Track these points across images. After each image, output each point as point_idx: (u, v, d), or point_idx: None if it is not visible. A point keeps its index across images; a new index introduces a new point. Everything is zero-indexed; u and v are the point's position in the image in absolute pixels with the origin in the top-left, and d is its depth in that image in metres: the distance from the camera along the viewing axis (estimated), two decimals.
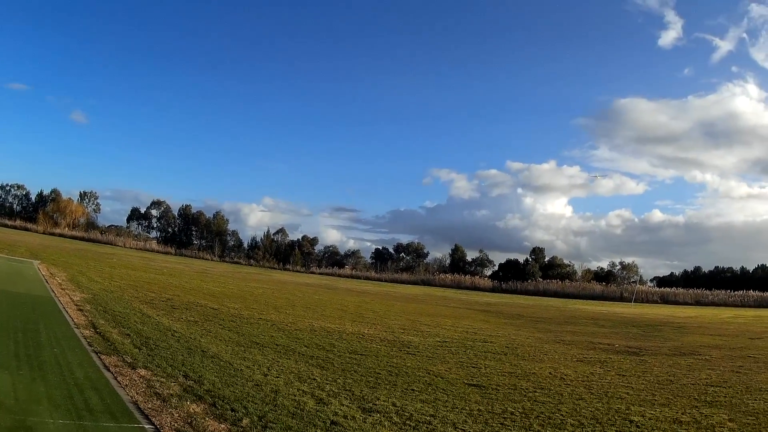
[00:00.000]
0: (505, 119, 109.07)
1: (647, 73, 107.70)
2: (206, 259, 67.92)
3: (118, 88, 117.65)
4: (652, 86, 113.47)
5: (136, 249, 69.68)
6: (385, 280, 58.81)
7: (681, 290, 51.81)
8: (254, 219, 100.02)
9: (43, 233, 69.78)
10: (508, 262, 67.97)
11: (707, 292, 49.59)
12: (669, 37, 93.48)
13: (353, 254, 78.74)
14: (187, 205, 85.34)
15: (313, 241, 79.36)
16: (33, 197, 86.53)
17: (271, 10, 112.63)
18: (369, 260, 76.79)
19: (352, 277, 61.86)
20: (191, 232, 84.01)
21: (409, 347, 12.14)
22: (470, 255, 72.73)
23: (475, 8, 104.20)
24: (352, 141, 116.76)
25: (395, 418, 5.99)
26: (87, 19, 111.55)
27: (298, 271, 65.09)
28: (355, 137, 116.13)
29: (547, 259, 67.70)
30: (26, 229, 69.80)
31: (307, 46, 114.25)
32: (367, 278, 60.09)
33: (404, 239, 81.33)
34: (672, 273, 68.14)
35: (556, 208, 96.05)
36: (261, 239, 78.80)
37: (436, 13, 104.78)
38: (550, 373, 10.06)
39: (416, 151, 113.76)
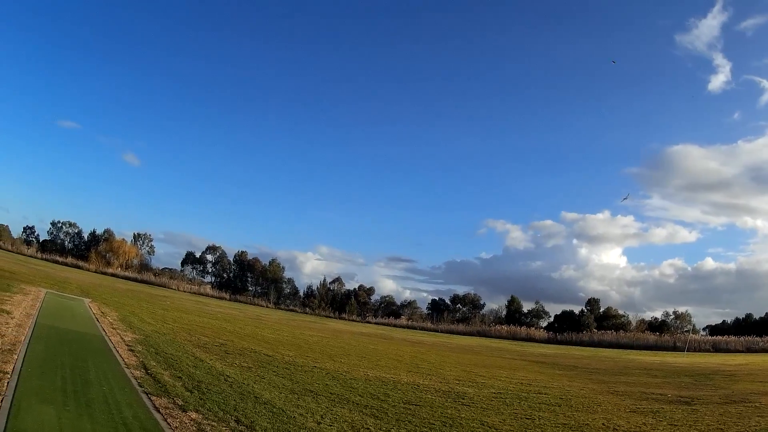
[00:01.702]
0: (559, 169, 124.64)
1: (697, 119, 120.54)
2: (261, 306, 75.70)
3: (170, 133, 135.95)
4: (702, 132, 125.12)
5: (189, 293, 76.52)
6: (441, 331, 66.29)
7: (732, 338, 56.75)
8: (310, 267, 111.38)
9: (95, 272, 77.64)
10: (564, 313, 76.36)
11: (758, 339, 54.01)
12: (718, 81, 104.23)
13: (409, 304, 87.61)
14: (243, 252, 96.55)
15: (370, 291, 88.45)
16: (85, 235, 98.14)
17: (319, 59, 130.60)
18: (425, 311, 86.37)
19: (408, 327, 69.29)
20: (246, 279, 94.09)
21: (464, 398, 13.46)
22: (526, 306, 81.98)
23: (524, 59, 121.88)
24: (407, 191, 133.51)
25: None
26: (139, 61, 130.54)
27: (353, 321, 72.60)
28: (410, 187, 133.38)
29: (601, 309, 75.88)
30: (77, 267, 78.31)
31: (361, 96, 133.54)
32: (423, 329, 67.72)
33: (460, 290, 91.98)
34: (724, 321, 74.55)
35: (610, 258, 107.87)
36: (317, 287, 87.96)
37: (487, 63, 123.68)
38: (603, 424, 11.21)
39: (471, 202, 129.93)
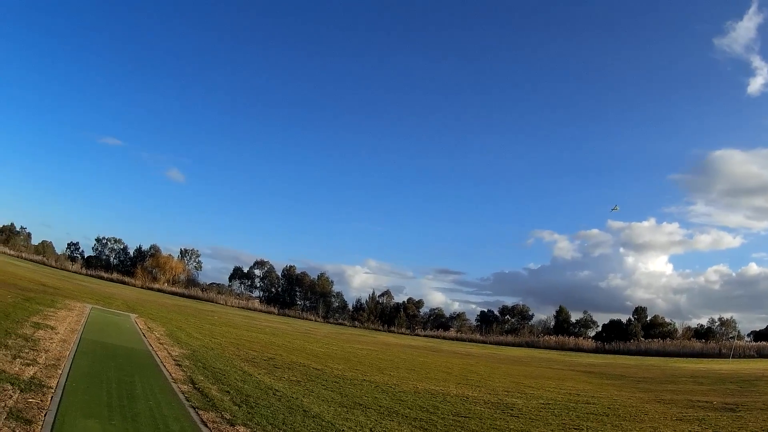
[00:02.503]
0: (605, 178, 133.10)
1: (738, 123, 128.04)
2: (310, 320, 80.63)
3: (214, 149, 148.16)
4: (743, 136, 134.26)
5: (237, 307, 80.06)
6: (490, 343, 71.49)
7: None
8: (358, 281, 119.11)
9: (141, 287, 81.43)
10: (611, 322, 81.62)
11: None
12: (757, 83, 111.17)
13: (458, 316, 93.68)
14: (291, 266, 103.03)
15: (419, 304, 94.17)
16: (131, 251, 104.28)
17: (366, 73, 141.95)
18: (474, 322, 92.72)
19: (456, 339, 74.26)
20: (295, 293, 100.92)
21: (512, 409, 14.34)
22: (574, 316, 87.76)
23: (567, 71, 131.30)
24: (455, 203, 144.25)
25: None
26: (181, 78, 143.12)
27: (402, 333, 77.91)
28: (457, 200, 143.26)
29: (648, 318, 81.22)
30: (123, 283, 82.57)
31: (409, 110, 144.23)
32: (471, 340, 73.23)
33: (509, 301, 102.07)
34: None
35: (656, 266, 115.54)
36: (366, 301, 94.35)
37: (532, 76, 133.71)
38: None
39: (518, 213, 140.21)
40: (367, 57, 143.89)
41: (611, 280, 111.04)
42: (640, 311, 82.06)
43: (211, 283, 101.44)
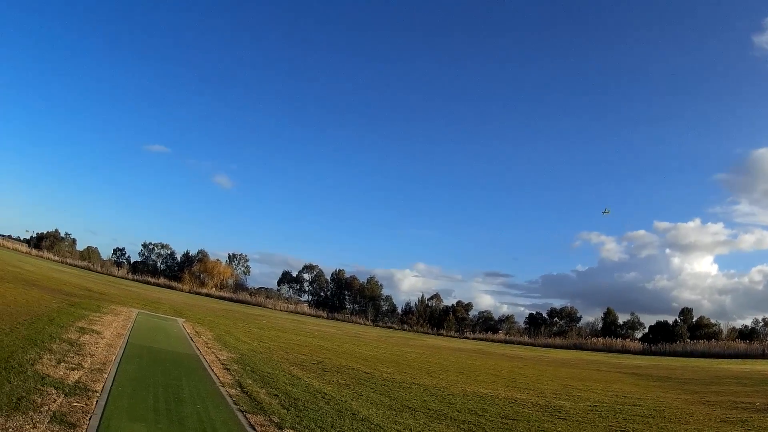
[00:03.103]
0: (650, 178, 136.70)
1: None
2: (359, 324, 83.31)
3: (261, 154, 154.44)
4: None
5: (286, 312, 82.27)
6: (539, 345, 73.93)
7: None
8: (407, 284, 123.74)
9: (188, 292, 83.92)
10: (658, 323, 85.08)
11: None
12: None
13: (507, 319, 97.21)
14: (340, 270, 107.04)
15: (468, 307, 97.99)
16: (178, 257, 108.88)
17: (413, 76, 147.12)
18: (522, 325, 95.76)
19: (505, 342, 77.15)
20: (344, 297, 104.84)
21: (560, 412, 14.86)
22: (621, 318, 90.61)
23: (611, 72, 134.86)
24: (502, 206, 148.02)
25: None
26: (227, 84, 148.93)
27: (451, 336, 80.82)
28: (505, 202, 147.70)
29: (694, 319, 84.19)
30: (170, 288, 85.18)
31: (455, 115, 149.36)
32: (520, 343, 75.84)
33: (557, 303, 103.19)
34: None
35: (702, 266, 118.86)
36: (415, 304, 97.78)
37: (576, 77, 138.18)
38: None
39: (565, 215, 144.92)
40: (417, 62, 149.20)
41: (658, 282, 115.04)
42: (686, 312, 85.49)
43: (260, 288, 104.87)
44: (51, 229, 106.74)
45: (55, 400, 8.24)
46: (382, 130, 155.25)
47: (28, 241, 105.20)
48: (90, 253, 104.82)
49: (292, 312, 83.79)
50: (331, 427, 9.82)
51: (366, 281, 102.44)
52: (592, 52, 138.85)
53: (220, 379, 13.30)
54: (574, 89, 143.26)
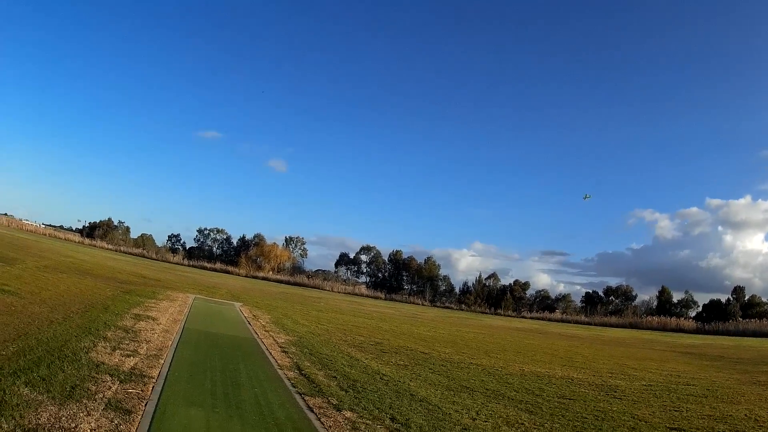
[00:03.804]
0: (702, 155, 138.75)
1: None
2: (416, 304, 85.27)
3: (316, 138, 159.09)
4: None
5: (344, 293, 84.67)
6: (595, 324, 76.47)
7: None
8: (465, 264, 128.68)
9: (245, 276, 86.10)
10: (711, 302, 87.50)
11: None
12: None
13: (563, 298, 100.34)
14: (397, 251, 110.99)
15: (525, 286, 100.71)
16: (234, 241, 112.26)
17: (469, 59, 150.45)
18: (579, 304, 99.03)
19: (562, 321, 80.00)
20: (402, 278, 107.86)
21: (615, 391, 15.27)
22: (676, 296, 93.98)
23: (663, 47, 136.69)
24: (558, 184, 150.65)
25: None
26: (281, 68, 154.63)
27: (509, 316, 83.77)
28: (561, 180, 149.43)
29: (746, 297, 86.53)
30: (227, 272, 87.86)
31: (508, 93, 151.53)
32: (576, 322, 78.68)
33: (613, 282, 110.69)
34: None
35: (754, 244, 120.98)
36: (473, 284, 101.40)
37: (629, 53, 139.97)
38: (745, 415, 12.87)
39: (620, 192, 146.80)
40: (470, 42, 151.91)
41: (710, 260, 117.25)
42: (738, 291, 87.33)
43: (317, 270, 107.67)
44: (104, 218, 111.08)
45: (110, 387, 8.35)
46: (439, 109, 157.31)
47: (80, 231, 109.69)
48: (144, 241, 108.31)
49: (349, 294, 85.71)
50: (390, 408, 10.02)
51: (424, 261, 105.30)
52: (648, 38, 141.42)
53: (278, 362, 13.51)
54: (629, 64, 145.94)
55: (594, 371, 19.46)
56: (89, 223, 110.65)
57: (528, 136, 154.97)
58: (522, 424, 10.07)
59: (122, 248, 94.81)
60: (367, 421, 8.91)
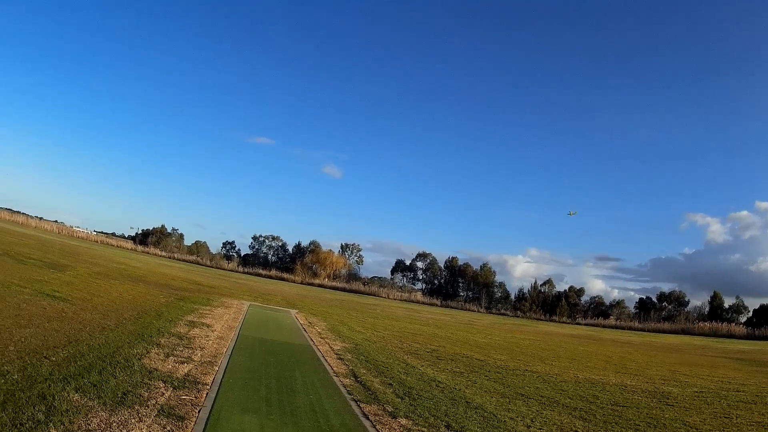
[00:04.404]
0: (751, 157, 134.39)
1: None
2: (472, 311, 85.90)
3: (370, 143, 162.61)
4: None
5: (400, 300, 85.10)
6: (648, 330, 76.16)
7: None
8: (520, 270, 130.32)
9: (300, 283, 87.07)
10: (761, 307, 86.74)
11: None
12: None
13: (617, 304, 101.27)
14: (453, 257, 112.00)
15: (579, 292, 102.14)
16: (290, 248, 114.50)
17: (522, 61, 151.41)
18: (632, 310, 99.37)
19: (616, 327, 80.00)
20: (457, 284, 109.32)
21: (668, 398, 15.43)
22: (727, 301, 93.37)
23: (716, 48, 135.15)
24: (612, 187, 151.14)
25: None
26: (331, 76, 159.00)
27: (563, 322, 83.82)
28: (614, 184, 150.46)
29: None
30: (282, 279, 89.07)
31: (564, 96, 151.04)
32: (630, 328, 78.21)
33: (666, 287, 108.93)
34: None
35: None
36: (528, 290, 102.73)
37: (683, 54, 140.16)
38: None
39: (673, 196, 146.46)
40: (528, 50, 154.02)
41: (761, 264, 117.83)
42: None
43: (373, 277, 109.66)
44: (157, 225, 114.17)
45: (163, 394, 8.43)
46: (495, 116, 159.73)
47: (133, 238, 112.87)
48: (198, 248, 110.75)
49: (405, 300, 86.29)
50: (445, 415, 10.16)
51: (479, 268, 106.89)
52: (701, 44, 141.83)
53: (334, 369, 13.64)
54: (682, 66, 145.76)
55: (647, 378, 19.67)
56: (142, 231, 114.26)
57: (581, 141, 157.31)
58: (576, 431, 10.32)
59: (176, 255, 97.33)
60: (423, 429, 9.05)
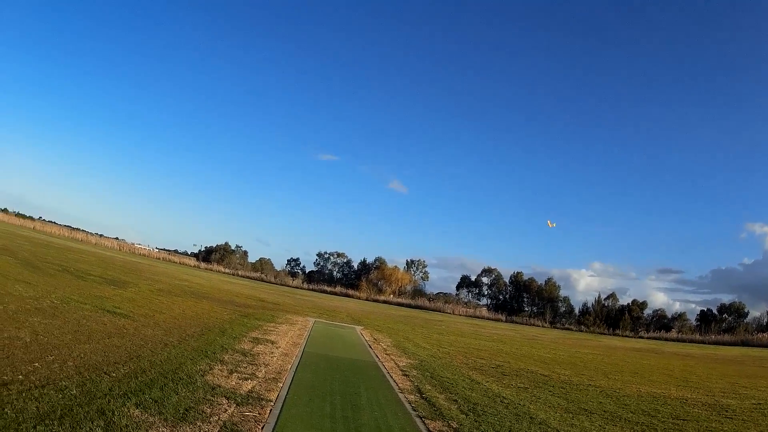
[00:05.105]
0: None
1: None
2: (536, 326, 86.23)
3: (436, 158, 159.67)
4: None
5: (465, 316, 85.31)
6: (708, 343, 74.85)
7: None
8: (583, 284, 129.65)
9: (365, 299, 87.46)
10: None
11: None
12: None
13: (679, 317, 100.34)
14: (518, 272, 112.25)
15: (642, 305, 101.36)
16: (355, 265, 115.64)
17: (588, 67, 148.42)
18: (694, 322, 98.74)
19: (677, 340, 78.77)
20: (522, 299, 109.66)
21: (727, 411, 15.53)
22: None
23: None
24: (673, 199, 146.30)
25: None
26: (394, 91, 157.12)
27: (626, 336, 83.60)
28: (674, 192, 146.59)
29: None
30: (347, 296, 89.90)
31: (632, 104, 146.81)
32: (691, 341, 76.93)
33: (726, 299, 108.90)
34: None
35: None
36: (592, 304, 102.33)
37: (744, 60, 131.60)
38: None
39: (732, 206, 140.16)
40: (588, 55, 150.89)
41: None
42: None
43: (438, 293, 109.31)
44: (220, 242, 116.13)
45: (226, 410, 8.46)
46: (554, 128, 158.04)
47: (196, 255, 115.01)
48: (263, 265, 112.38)
49: (470, 316, 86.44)
50: (509, 431, 10.37)
51: (544, 283, 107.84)
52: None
53: (399, 385, 13.61)
54: (742, 81, 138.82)
55: (707, 390, 19.81)
56: (205, 248, 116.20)
57: (641, 151, 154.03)
58: None
59: (239, 272, 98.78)
60: None
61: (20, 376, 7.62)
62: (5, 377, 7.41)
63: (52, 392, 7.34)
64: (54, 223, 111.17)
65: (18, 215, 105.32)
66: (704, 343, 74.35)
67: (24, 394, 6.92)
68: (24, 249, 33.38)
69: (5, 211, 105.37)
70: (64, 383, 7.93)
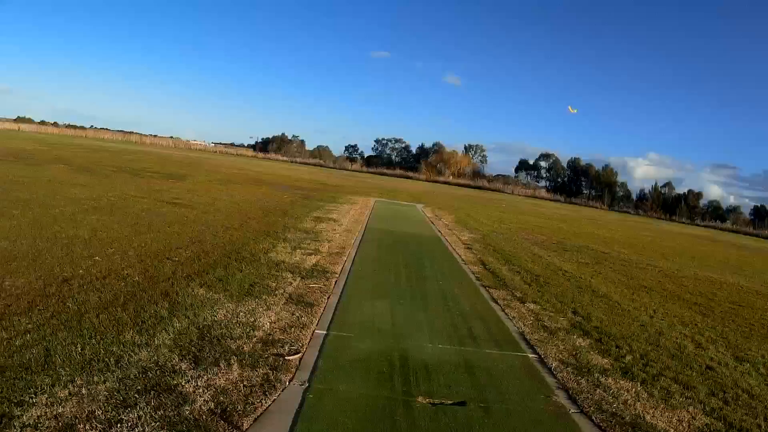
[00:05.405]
0: None
1: None
2: (595, 208, 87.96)
3: (489, 51, 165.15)
4: None
5: (524, 196, 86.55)
6: (763, 237, 76.84)
7: None
8: (640, 172, 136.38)
9: (426, 181, 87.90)
10: None
11: None
12: None
13: (733, 210, 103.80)
14: (576, 158, 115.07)
15: (698, 196, 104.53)
16: (413, 149, 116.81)
17: None
18: (748, 216, 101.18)
19: (732, 231, 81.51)
20: (580, 183, 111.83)
21: None
22: None
23: None
24: (731, 95, 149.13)
25: (762, 370, 7.94)
26: None
27: (682, 223, 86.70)
28: (735, 91, 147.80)
29: None
30: (407, 177, 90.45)
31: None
32: (746, 233, 79.95)
33: None
34: None
35: None
36: (649, 191, 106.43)
37: None
38: None
39: None
40: None
41: None
42: None
43: (497, 175, 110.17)
44: (277, 133, 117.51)
45: (291, 284, 8.60)
46: (616, 16, 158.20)
47: (253, 147, 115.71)
48: (321, 152, 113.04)
49: (530, 197, 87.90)
50: (572, 302, 10.43)
51: (602, 168, 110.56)
52: None
53: (462, 257, 13.82)
54: None
55: (762, 281, 19.71)
56: (262, 139, 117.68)
57: (701, 42, 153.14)
58: (696, 324, 10.41)
59: (298, 159, 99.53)
60: (550, 313, 9.26)
61: (81, 271, 7.70)
62: (65, 274, 7.47)
63: (114, 281, 7.44)
64: (107, 129, 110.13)
65: (69, 126, 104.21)
66: (759, 236, 76.95)
67: (85, 287, 7.00)
68: (78, 156, 33.94)
69: (55, 124, 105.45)
70: (126, 272, 8.01)
